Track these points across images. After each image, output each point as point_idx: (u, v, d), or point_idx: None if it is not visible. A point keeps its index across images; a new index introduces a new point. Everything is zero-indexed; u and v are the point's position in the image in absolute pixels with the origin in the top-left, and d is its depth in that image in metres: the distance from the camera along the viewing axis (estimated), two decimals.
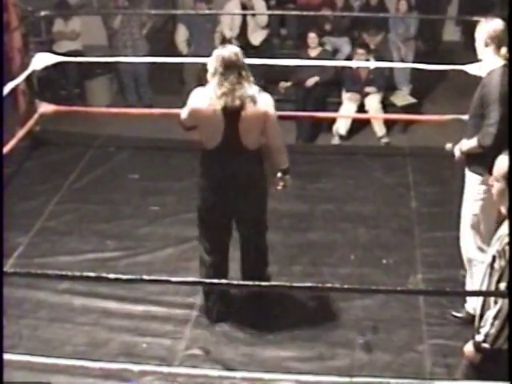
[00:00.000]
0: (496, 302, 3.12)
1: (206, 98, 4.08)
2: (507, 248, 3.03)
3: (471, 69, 5.43)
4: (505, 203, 3.13)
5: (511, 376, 3.01)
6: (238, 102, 4.03)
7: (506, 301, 3.05)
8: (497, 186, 3.16)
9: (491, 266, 3.14)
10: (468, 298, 4.35)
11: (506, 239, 3.05)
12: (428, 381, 3.95)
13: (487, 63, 4.17)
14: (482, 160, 4.04)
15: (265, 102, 4.14)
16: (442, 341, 4.22)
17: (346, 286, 4.24)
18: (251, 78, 4.11)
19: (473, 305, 4.16)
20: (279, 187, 4.39)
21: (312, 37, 8.03)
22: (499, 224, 3.22)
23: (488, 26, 4.14)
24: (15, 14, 6.22)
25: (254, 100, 4.07)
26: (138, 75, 8.53)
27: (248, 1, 8.24)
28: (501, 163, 3.14)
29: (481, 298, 3.26)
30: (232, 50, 4.09)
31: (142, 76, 8.55)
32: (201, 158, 4.31)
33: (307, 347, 4.24)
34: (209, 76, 4.11)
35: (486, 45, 4.12)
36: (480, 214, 4.19)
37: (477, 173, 4.15)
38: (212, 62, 4.08)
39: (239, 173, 4.20)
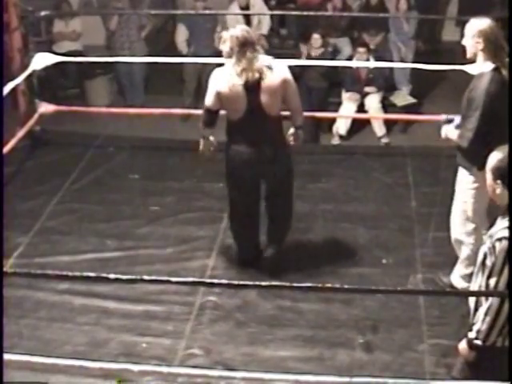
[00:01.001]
0: (487, 299, 3.17)
1: (226, 78, 4.37)
2: (497, 244, 3.09)
3: (471, 69, 5.42)
4: (494, 196, 3.22)
5: (511, 376, 3.02)
6: (257, 75, 4.34)
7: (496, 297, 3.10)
8: (488, 178, 3.24)
9: (483, 263, 3.19)
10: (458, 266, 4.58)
11: (496, 236, 3.11)
12: (428, 381, 3.95)
13: (478, 64, 4.20)
14: (469, 157, 4.23)
15: (281, 69, 4.44)
16: (442, 341, 4.22)
17: (346, 286, 4.24)
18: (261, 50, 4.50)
19: (459, 273, 4.53)
20: (292, 142, 4.71)
21: (316, 38, 8.01)
22: (494, 220, 3.27)
23: (479, 26, 4.13)
24: (15, 14, 6.22)
25: (270, 68, 4.38)
26: (133, 76, 8.52)
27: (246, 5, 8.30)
28: (490, 158, 3.21)
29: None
30: (243, 28, 4.44)
31: (137, 77, 8.52)
32: (227, 128, 4.56)
33: (307, 347, 4.24)
34: (225, 56, 4.39)
35: (477, 44, 4.12)
36: (470, 200, 4.35)
37: (464, 167, 4.32)
38: (226, 44, 4.35)
39: (264, 140, 4.49)
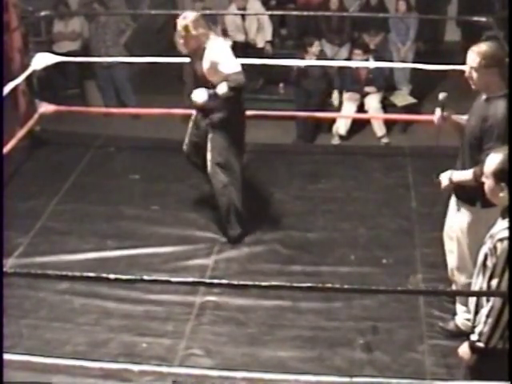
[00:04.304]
0: (488, 300, 3.13)
1: (227, 45, 4.97)
2: (498, 245, 3.05)
3: None
4: (496, 199, 3.15)
5: (511, 376, 3.01)
6: None
7: (498, 298, 3.07)
8: (487, 183, 3.16)
9: (483, 264, 3.15)
10: (459, 312, 4.24)
11: (497, 236, 3.07)
12: (428, 381, 3.95)
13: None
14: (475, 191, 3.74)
15: None
16: (442, 341, 4.22)
17: (346, 286, 4.24)
18: None
19: (462, 318, 4.15)
20: None
21: (316, 45, 7.96)
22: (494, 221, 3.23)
23: (485, 51, 3.78)
24: (15, 14, 6.22)
25: None
26: (115, 80, 8.48)
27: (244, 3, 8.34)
28: (491, 161, 3.13)
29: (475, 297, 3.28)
30: (188, 13, 4.86)
31: (120, 80, 8.48)
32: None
33: (307, 347, 4.24)
34: (205, 34, 4.77)
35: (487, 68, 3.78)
36: (468, 240, 4.05)
37: (469, 203, 3.99)
38: (197, 29, 4.72)
39: None
